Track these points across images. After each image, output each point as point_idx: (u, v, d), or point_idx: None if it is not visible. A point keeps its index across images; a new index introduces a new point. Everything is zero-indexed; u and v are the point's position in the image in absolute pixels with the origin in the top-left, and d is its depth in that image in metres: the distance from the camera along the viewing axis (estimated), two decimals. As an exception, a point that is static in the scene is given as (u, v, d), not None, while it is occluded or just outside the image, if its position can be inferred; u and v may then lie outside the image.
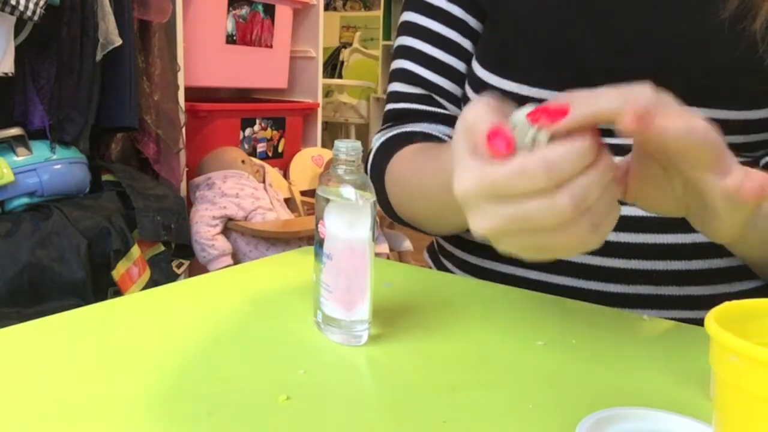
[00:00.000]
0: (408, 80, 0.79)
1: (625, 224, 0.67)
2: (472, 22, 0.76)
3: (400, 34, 0.82)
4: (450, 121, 0.77)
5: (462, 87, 0.77)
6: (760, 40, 0.63)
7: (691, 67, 0.65)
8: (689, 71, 0.65)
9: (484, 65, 0.72)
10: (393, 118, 0.81)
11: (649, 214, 0.66)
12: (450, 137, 0.76)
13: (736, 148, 0.65)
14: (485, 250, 0.74)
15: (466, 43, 0.76)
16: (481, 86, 0.72)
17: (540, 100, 0.66)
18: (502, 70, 0.70)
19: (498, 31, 0.73)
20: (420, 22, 0.78)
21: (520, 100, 0.68)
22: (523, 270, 0.72)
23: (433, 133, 0.76)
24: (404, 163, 0.72)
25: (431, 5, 0.78)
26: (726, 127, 0.64)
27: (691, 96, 0.64)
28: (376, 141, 0.79)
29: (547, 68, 0.68)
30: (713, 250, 0.66)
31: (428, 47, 0.77)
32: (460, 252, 0.79)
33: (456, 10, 0.76)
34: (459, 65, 0.77)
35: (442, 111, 0.78)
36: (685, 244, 0.66)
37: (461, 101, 0.77)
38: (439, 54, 0.77)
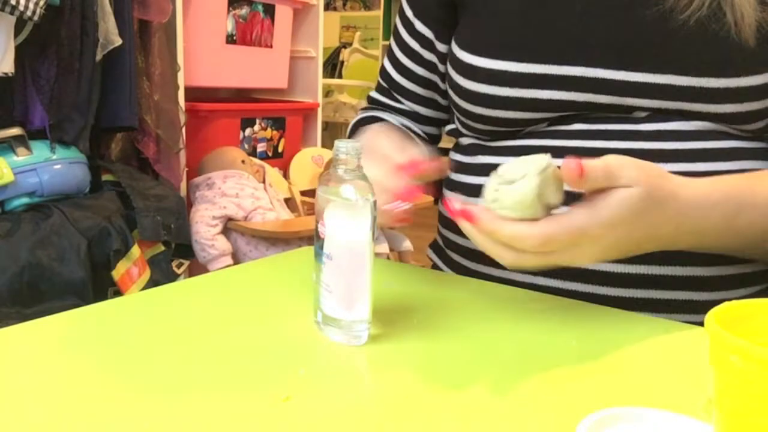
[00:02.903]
0: (382, 75, 0.94)
1: None
2: (430, 35, 0.85)
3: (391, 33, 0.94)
4: (406, 114, 0.91)
5: (420, 85, 0.88)
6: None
7: (662, 38, 0.68)
8: (661, 42, 0.68)
9: (470, 50, 0.76)
10: (370, 103, 0.96)
11: None
12: (405, 126, 0.90)
13: (731, 119, 0.67)
14: (485, 257, 0.75)
15: (425, 53, 0.86)
16: (468, 70, 0.76)
17: (526, 75, 0.71)
18: (489, 50, 0.74)
19: (481, 19, 0.78)
20: (398, 27, 0.90)
21: (508, 77, 0.72)
22: (524, 276, 0.72)
23: (395, 123, 0.90)
24: (366, 134, 0.82)
25: (404, 13, 0.88)
26: (714, 95, 0.66)
27: (669, 63, 0.68)
28: (355, 118, 0.93)
29: (531, 43, 0.73)
30: (718, 256, 0.66)
31: (398, 52, 0.90)
32: (461, 259, 0.79)
33: (418, 25, 0.86)
34: (419, 70, 0.88)
35: (398, 105, 0.91)
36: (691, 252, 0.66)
37: (419, 95, 0.89)
38: (404, 59, 0.89)
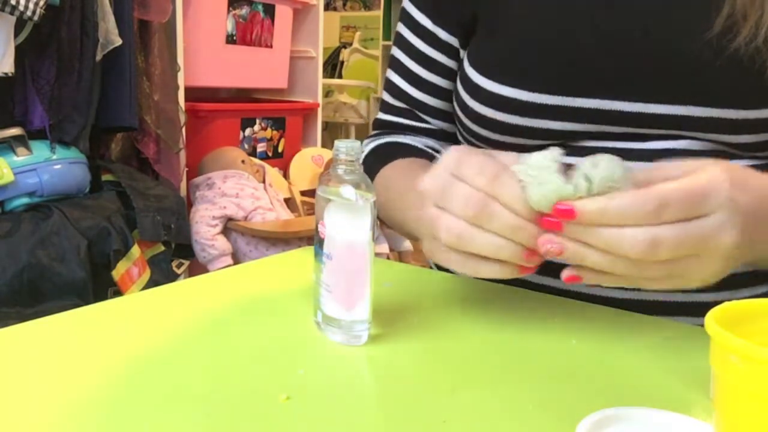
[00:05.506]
0: (394, 94, 0.84)
1: None
2: (456, 43, 0.78)
3: (393, 42, 0.85)
4: (431, 133, 0.83)
5: (446, 100, 0.80)
6: (746, 49, 0.63)
7: (689, 69, 0.65)
8: (687, 73, 0.65)
9: (481, 71, 0.72)
10: (380, 127, 0.86)
11: None
12: (431, 148, 0.82)
13: (744, 147, 0.66)
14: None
15: (452, 63, 0.79)
16: (477, 92, 0.72)
17: (538, 105, 0.68)
18: (500, 76, 0.70)
19: (496, 38, 0.73)
20: (408, 38, 0.81)
21: (518, 106, 0.68)
22: (523, 276, 0.72)
23: (419, 146, 0.81)
24: (391, 176, 0.76)
25: (419, 24, 0.80)
26: (732, 126, 0.65)
27: (692, 96, 0.65)
28: (366, 146, 0.84)
29: (546, 73, 0.69)
30: None
31: (413, 64, 0.81)
32: None
33: (442, 33, 0.78)
34: (443, 83, 0.80)
35: (423, 125, 0.83)
36: None
37: (446, 112, 0.81)
38: (423, 72, 0.80)
